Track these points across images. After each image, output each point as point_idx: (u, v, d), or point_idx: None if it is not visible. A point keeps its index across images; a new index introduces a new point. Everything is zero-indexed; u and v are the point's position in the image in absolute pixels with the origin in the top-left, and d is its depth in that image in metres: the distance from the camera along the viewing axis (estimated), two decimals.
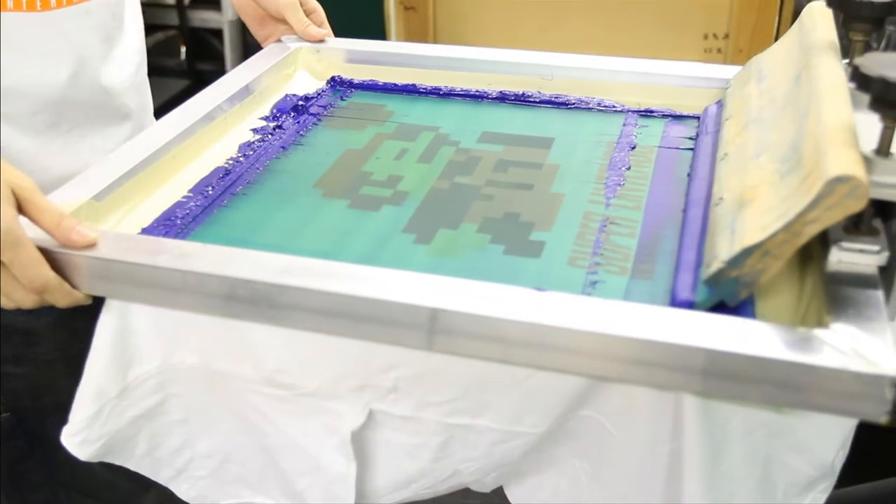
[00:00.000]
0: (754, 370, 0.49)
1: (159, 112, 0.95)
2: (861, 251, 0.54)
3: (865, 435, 0.63)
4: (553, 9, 1.48)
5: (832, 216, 0.49)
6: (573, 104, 0.87)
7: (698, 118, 0.82)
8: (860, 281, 0.53)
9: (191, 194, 0.72)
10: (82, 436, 0.67)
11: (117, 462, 0.70)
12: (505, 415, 0.64)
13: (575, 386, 0.62)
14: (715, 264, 0.54)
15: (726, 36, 1.45)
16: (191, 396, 0.69)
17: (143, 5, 0.93)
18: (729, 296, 0.54)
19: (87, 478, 0.78)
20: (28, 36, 0.76)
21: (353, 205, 0.71)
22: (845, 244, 0.54)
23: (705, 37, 1.47)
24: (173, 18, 2.65)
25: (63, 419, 0.68)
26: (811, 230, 0.50)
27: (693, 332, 0.50)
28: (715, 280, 0.54)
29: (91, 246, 0.59)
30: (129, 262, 0.59)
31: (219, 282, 0.57)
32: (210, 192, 0.73)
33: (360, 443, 0.67)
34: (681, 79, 0.85)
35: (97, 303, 0.64)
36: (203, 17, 2.62)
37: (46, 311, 0.61)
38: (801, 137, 0.56)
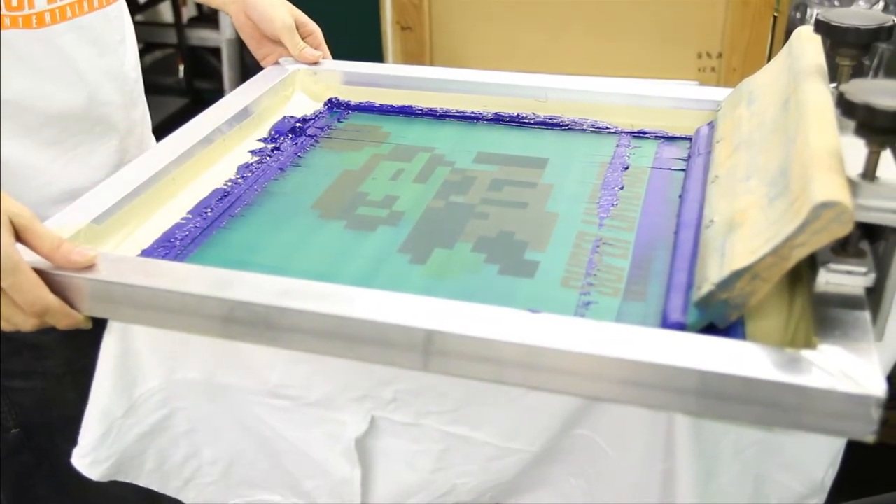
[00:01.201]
0: (744, 391, 0.50)
1: (157, 130, 0.96)
2: (848, 273, 0.55)
3: (856, 453, 0.64)
4: (549, 29, 1.50)
5: (819, 240, 0.50)
6: (567, 125, 0.88)
7: (690, 139, 0.83)
8: (848, 302, 0.54)
9: (190, 216, 0.73)
10: (92, 457, 0.68)
11: (127, 479, 0.71)
12: (501, 430, 0.64)
13: (570, 405, 0.62)
14: (705, 287, 0.55)
15: (720, 55, 1.47)
16: (195, 408, 0.70)
17: (143, 24, 0.94)
18: (719, 318, 0.55)
19: (94, 493, 0.79)
20: (27, 53, 0.77)
21: (349, 225, 0.72)
22: (833, 266, 0.55)
23: (699, 55, 1.48)
24: (172, 37, 2.67)
25: (71, 433, 0.69)
26: (799, 254, 0.51)
27: (684, 353, 0.51)
28: (705, 302, 0.55)
29: (92, 264, 0.60)
30: (129, 284, 0.59)
31: (217, 304, 0.58)
32: (209, 214, 0.74)
33: (362, 451, 0.68)
34: (673, 100, 0.86)
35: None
36: (201, 36, 2.63)
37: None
38: (788, 162, 0.57)
